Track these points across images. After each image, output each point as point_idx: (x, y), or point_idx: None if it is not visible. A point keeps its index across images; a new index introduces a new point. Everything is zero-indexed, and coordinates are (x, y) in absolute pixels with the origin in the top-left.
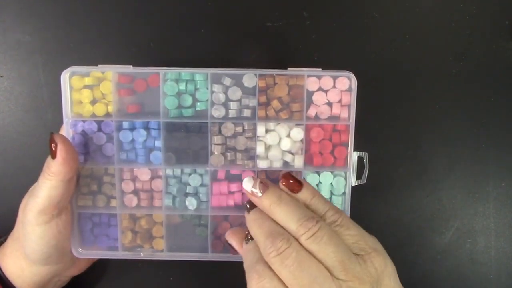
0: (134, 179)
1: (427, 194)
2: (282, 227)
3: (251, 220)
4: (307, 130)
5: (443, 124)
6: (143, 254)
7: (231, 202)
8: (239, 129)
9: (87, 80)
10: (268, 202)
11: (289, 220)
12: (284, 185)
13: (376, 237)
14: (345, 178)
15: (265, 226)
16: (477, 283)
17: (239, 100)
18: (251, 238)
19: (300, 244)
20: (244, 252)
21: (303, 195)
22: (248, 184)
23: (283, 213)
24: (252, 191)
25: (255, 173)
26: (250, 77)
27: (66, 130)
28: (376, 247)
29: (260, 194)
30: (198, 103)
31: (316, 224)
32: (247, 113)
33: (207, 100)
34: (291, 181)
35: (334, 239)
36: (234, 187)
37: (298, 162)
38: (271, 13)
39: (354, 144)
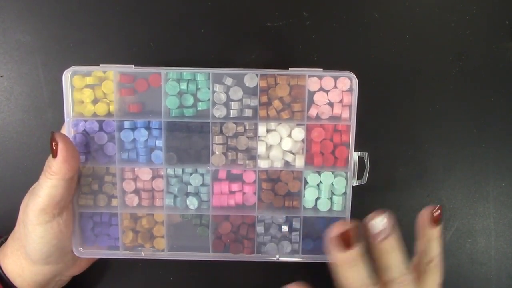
0: (135, 178)
1: (427, 194)
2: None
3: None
4: (308, 130)
5: (443, 124)
6: (144, 254)
7: (232, 202)
8: (240, 129)
9: (89, 80)
10: (389, 246)
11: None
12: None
13: None
14: (346, 178)
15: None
16: (477, 283)
17: (240, 100)
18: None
19: None
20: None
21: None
22: (379, 224)
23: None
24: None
25: (255, 173)
26: (251, 77)
27: (67, 130)
28: None
29: (381, 238)
30: (200, 103)
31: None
32: (248, 113)
33: (209, 100)
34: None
35: None
36: (235, 186)
37: (299, 162)
38: (271, 13)
39: (355, 144)
